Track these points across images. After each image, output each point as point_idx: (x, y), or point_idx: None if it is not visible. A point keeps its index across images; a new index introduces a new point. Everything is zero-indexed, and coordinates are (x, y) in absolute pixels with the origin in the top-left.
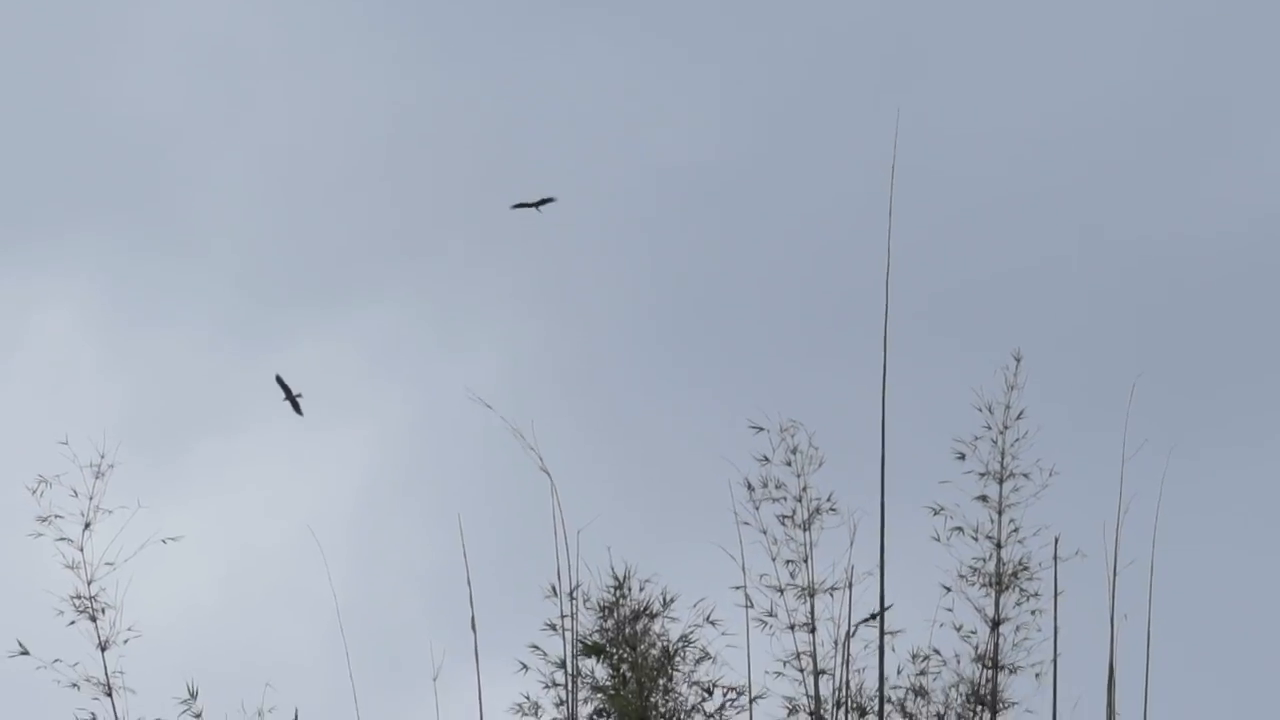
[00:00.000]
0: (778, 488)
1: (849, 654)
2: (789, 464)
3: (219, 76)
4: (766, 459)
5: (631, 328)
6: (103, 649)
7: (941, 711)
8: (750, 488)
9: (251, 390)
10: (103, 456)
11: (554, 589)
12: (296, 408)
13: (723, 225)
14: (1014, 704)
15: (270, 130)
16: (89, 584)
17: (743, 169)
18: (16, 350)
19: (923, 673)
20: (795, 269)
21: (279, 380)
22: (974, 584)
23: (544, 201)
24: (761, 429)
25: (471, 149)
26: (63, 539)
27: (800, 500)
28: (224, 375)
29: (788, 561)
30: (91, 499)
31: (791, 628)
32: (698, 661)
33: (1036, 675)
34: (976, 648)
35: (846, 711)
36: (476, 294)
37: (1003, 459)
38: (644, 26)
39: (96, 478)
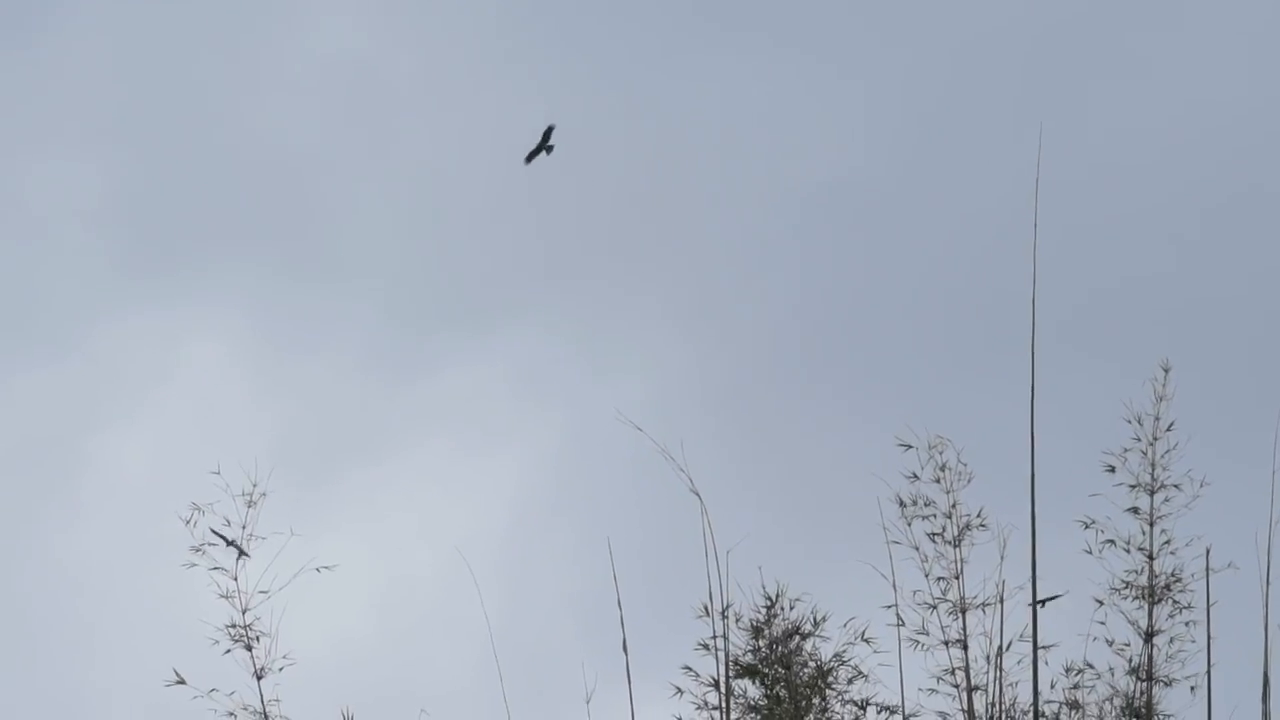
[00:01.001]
0: (927, 505)
1: (1002, 669)
2: (938, 480)
3: (361, 104)
4: (915, 476)
5: (778, 346)
6: (258, 677)
7: None
8: (901, 504)
9: (400, 416)
10: (254, 485)
11: (706, 609)
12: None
13: (867, 241)
14: (1169, 716)
15: (413, 156)
16: (243, 613)
17: (886, 185)
18: (168, 381)
19: (1076, 687)
20: (940, 284)
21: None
22: (1126, 597)
23: (547, 135)
24: (910, 446)
25: (616, 171)
26: (216, 568)
27: (950, 517)
28: (372, 402)
29: (939, 578)
30: (244, 528)
31: (944, 644)
32: (851, 680)
33: (1191, 688)
34: (1130, 661)
35: None
36: (623, 316)
37: (1153, 471)
38: (787, 43)
39: (249, 506)
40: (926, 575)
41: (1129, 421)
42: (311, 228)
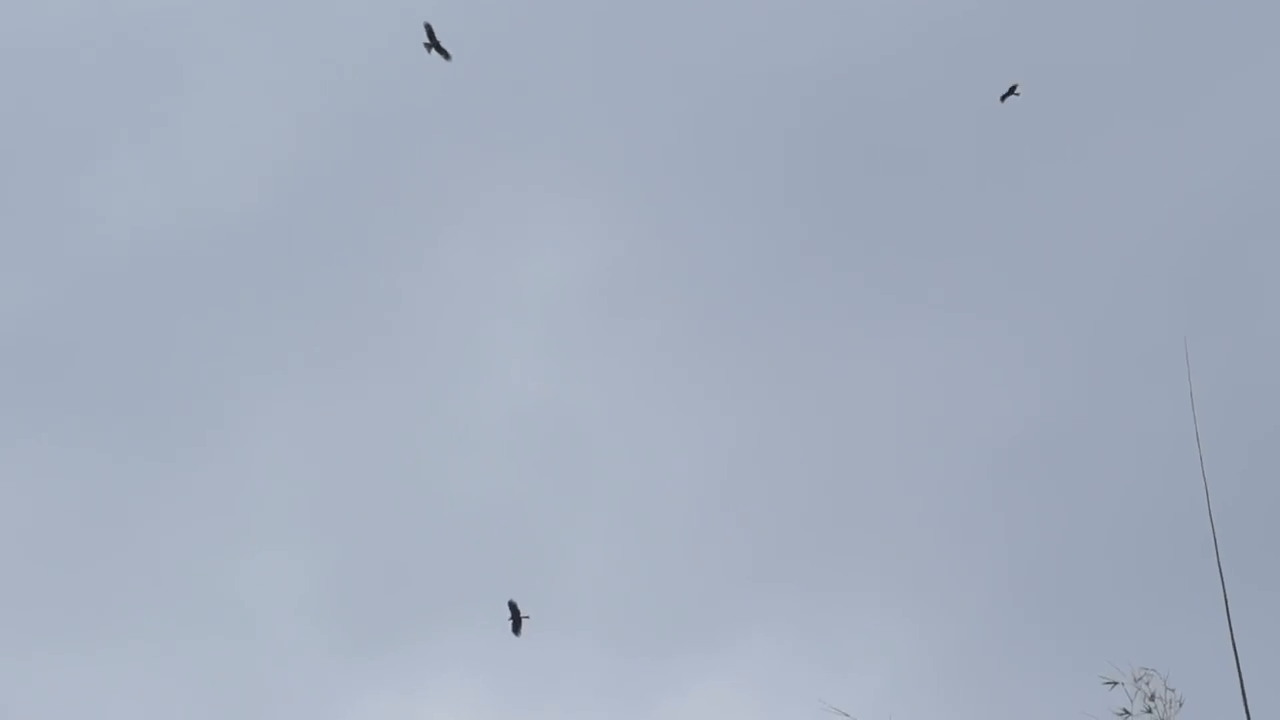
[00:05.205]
0: None
1: None
2: (1149, 711)
3: (557, 451)
4: (1126, 711)
5: (987, 604)
6: None
7: None
8: None
9: None
10: None
11: None
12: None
13: (1055, 489)
14: None
15: (615, 495)
16: None
17: (1061, 429)
18: None
19: None
20: (1126, 518)
21: (511, 606)
22: None
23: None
24: (1115, 683)
25: (805, 467)
26: None
27: None
28: None
29: None
30: None
31: None
32: None
33: None
34: None
35: None
36: (844, 607)
37: None
38: (955, 307)
39: None
40: None
41: None
42: (526, 579)
